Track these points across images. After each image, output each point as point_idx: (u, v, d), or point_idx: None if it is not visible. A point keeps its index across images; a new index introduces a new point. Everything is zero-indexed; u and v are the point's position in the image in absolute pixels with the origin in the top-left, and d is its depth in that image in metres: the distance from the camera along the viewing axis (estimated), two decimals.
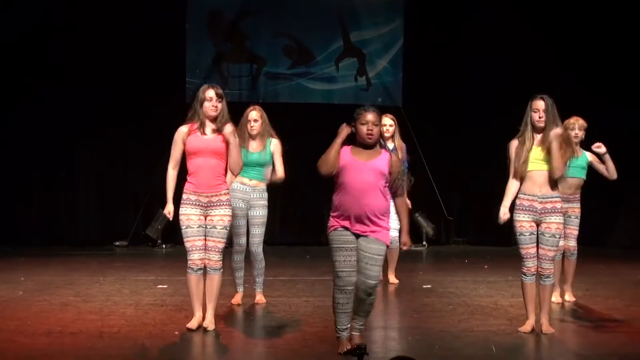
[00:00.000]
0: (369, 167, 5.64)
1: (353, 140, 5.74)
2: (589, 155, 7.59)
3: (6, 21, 11.69)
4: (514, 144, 6.42)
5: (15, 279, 8.85)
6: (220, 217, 6.36)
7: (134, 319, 6.81)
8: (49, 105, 11.83)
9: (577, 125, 7.52)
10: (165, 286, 8.48)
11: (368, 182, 5.62)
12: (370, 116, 5.68)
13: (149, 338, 6.20)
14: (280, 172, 7.63)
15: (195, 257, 6.34)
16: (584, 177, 7.59)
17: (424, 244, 12.26)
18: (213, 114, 6.40)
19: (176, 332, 6.39)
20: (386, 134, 8.68)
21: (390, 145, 8.67)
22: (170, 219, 6.55)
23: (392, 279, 8.92)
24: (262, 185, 7.61)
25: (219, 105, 6.41)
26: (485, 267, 10.19)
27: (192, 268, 6.35)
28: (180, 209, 6.37)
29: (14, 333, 6.31)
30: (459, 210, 12.53)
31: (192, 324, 6.40)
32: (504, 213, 6.39)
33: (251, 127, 7.58)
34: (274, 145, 7.64)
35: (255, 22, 12.17)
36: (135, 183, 12.28)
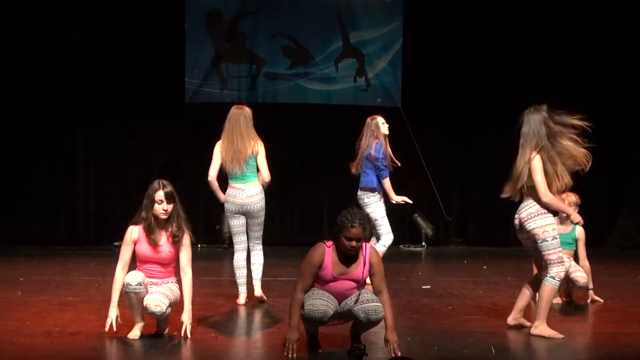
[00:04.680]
0: (349, 279, 5.63)
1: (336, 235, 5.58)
2: (578, 231, 7.61)
3: (6, 19, 11.68)
4: None
5: (14, 279, 8.84)
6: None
7: (132, 320, 6.78)
8: (49, 105, 11.82)
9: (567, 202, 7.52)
10: None
11: (349, 289, 5.64)
12: (355, 231, 5.48)
13: (149, 339, 6.20)
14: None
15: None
16: (574, 248, 7.63)
17: (423, 245, 12.25)
18: (163, 217, 6.17)
19: (175, 333, 6.38)
20: None
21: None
22: (115, 327, 6.12)
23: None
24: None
25: (169, 208, 6.15)
26: (485, 267, 10.19)
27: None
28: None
29: (13, 333, 6.30)
30: (458, 211, 12.52)
31: (135, 333, 6.21)
32: None
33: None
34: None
35: (254, 23, 12.15)
36: (135, 183, 12.25)
